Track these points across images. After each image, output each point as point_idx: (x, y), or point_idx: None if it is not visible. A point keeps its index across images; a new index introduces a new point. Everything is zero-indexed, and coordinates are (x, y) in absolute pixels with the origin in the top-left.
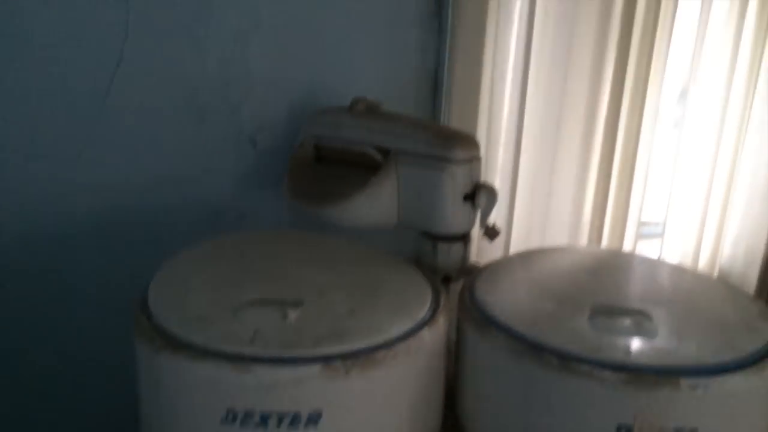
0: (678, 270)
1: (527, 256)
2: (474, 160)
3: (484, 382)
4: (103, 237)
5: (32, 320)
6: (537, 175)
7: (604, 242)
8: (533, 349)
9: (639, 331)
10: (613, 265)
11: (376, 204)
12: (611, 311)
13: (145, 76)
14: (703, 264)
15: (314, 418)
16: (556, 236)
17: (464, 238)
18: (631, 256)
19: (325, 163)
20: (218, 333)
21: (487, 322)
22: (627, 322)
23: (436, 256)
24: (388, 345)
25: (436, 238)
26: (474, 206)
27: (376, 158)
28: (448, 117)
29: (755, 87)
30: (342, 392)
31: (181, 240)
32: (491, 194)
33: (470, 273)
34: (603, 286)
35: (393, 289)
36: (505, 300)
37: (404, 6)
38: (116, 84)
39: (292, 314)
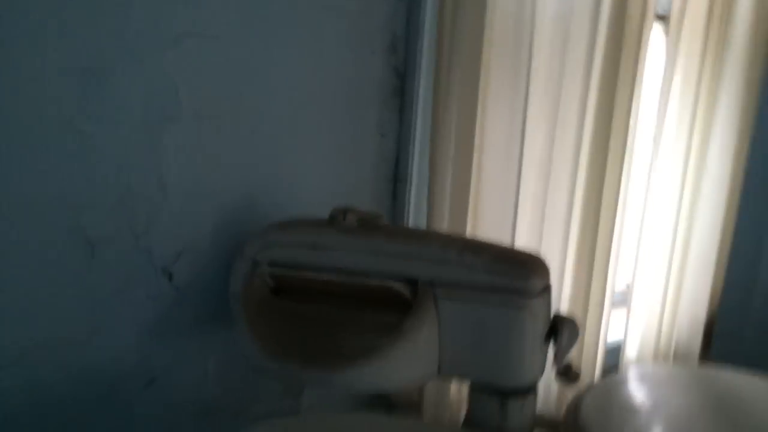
0: None
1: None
2: (549, 288)
3: None
4: None
5: None
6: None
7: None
8: None
9: None
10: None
11: (412, 357)
12: None
13: None
14: (664, 333)
15: None
16: None
17: (535, 387)
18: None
19: (292, 300)
20: None
21: None
22: None
23: (506, 416)
24: None
25: (507, 394)
26: (554, 345)
27: (401, 293)
28: (418, 216)
29: (706, 166)
30: None
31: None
32: (574, 329)
33: (549, 427)
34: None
35: None
36: None
37: (360, 83)
38: None
39: None
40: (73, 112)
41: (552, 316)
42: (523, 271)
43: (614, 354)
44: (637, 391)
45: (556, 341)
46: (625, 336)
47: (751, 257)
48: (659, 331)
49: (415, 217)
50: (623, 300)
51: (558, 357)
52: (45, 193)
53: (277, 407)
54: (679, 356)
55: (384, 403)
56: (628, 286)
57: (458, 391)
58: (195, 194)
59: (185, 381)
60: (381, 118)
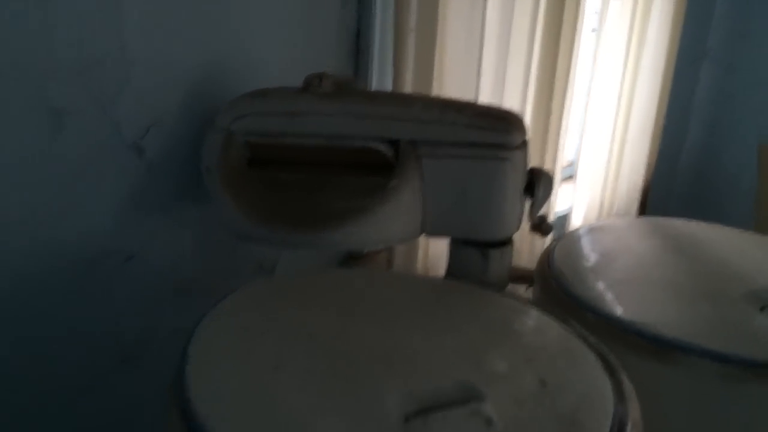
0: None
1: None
2: (527, 143)
3: None
4: None
5: None
6: None
7: None
8: None
9: None
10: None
11: (398, 216)
12: None
13: None
14: (606, 203)
15: None
16: None
17: (512, 238)
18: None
19: (272, 169)
20: None
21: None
22: None
23: (487, 267)
24: None
25: (487, 245)
26: (532, 198)
27: (384, 155)
28: (380, 88)
29: (646, 39)
30: None
31: (37, 313)
32: (549, 182)
33: (523, 278)
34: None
35: (536, 337)
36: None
37: None
38: None
39: (492, 414)
40: None
41: (528, 170)
42: (504, 125)
43: (561, 224)
44: (601, 240)
45: (532, 196)
46: (572, 207)
47: (679, 131)
48: (602, 201)
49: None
50: (569, 174)
51: (534, 209)
52: (4, 60)
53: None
54: None
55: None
56: (572, 162)
57: (425, 252)
58: (160, 64)
59: (162, 258)
60: None
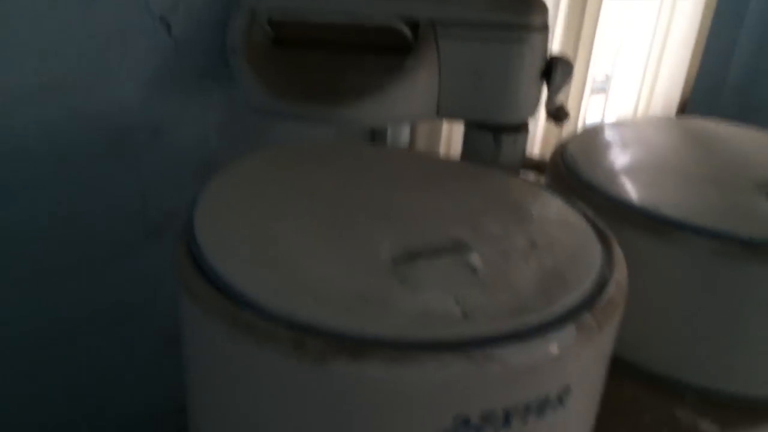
0: None
1: (613, 136)
2: (547, 27)
3: None
4: None
5: None
6: None
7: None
8: None
9: None
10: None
11: (413, 94)
12: None
13: None
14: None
15: (563, 398)
16: None
17: (527, 124)
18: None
19: (291, 47)
20: (390, 314)
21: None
22: None
23: (500, 151)
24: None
25: (501, 129)
26: (548, 84)
27: (403, 33)
28: None
29: None
30: (594, 354)
31: (70, 180)
32: (567, 67)
33: (536, 167)
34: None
35: (534, 208)
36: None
37: None
38: None
39: (478, 263)
40: None
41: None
42: (524, 6)
43: None
44: (621, 133)
45: (549, 83)
46: (603, 119)
47: (724, 53)
48: (634, 115)
49: None
50: (602, 88)
51: (551, 94)
52: None
53: None
54: None
55: None
56: (607, 76)
57: (448, 136)
58: None
59: (187, 135)
60: None
